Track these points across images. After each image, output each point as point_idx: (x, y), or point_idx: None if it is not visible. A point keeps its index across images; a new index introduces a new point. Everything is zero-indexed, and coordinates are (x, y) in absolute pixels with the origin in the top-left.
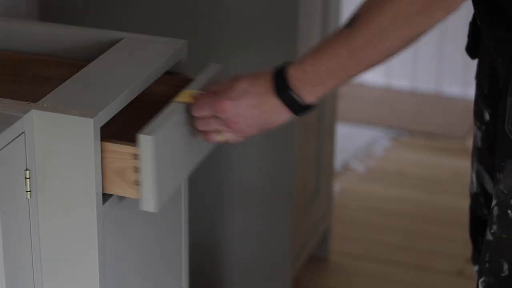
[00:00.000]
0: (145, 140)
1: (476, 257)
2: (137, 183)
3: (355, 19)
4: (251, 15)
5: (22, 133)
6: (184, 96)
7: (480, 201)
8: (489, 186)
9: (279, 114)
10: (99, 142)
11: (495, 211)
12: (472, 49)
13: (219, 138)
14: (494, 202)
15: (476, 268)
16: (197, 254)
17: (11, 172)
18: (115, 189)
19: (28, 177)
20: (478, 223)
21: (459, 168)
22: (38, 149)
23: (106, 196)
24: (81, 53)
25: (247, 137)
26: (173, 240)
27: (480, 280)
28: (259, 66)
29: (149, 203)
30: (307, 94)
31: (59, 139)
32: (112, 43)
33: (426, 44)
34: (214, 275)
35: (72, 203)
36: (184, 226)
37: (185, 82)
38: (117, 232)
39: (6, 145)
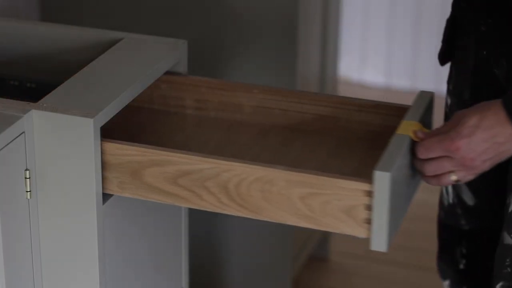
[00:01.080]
0: (381, 177)
1: (446, 272)
2: (367, 221)
3: None
4: (251, 16)
5: (22, 133)
6: (405, 128)
7: (456, 212)
8: (466, 196)
9: None
10: (99, 142)
11: None
12: (445, 55)
13: (452, 179)
14: None
15: (447, 283)
16: (197, 254)
17: (11, 172)
18: (341, 228)
19: (28, 177)
20: (453, 234)
21: None
22: (38, 149)
23: (106, 196)
24: (81, 53)
25: (479, 174)
26: (173, 240)
27: (498, 285)
28: (259, 66)
29: (381, 243)
30: None
31: (59, 139)
32: (112, 43)
33: (427, 44)
34: (214, 275)
35: (72, 203)
36: (184, 226)
37: (398, 111)
38: (117, 232)
39: (6, 145)
